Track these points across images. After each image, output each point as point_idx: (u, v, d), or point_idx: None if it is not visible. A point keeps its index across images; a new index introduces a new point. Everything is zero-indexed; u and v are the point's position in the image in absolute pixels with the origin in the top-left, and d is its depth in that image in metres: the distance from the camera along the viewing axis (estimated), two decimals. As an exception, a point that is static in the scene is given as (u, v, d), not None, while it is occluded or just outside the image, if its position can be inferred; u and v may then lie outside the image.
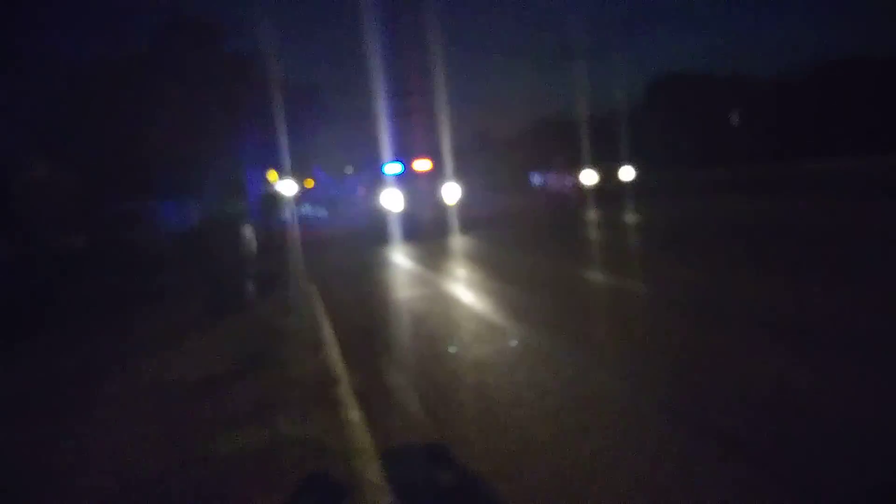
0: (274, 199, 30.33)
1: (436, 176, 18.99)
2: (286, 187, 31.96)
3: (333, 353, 6.82)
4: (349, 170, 42.32)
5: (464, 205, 19.04)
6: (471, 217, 19.34)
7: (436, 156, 19.56)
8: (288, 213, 29.90)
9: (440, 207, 18.56)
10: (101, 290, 14.66)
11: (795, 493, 3.26)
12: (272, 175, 33.22)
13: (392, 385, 5.72)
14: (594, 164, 28.86)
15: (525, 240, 15.91)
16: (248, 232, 11.44)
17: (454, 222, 18.28)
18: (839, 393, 4.37)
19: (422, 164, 19.23)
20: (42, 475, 4.55)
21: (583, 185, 27.47)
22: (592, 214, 20.11)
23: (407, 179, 18.77)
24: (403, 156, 19.45)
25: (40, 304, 12.59)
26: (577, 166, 29.18)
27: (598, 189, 26.61)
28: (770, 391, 4.52)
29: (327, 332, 7.77)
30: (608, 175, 28.34)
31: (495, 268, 11.53)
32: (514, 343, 6.53)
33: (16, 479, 4.50)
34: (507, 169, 37.76)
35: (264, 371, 6.38)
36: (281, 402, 5.36)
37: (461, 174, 19.29)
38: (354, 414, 4.95)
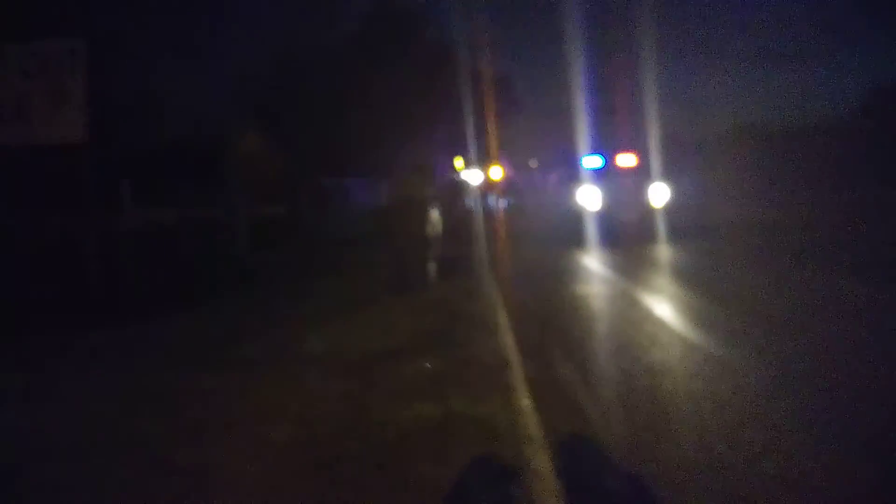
0: (458, 185, 30.86)
1: (641, 174, 16.61)
2: (472, 176, 32.36)
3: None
4: (533, 163, 42.19)
5: (674, 209, 16.43)
6: (682, 224, 16.47)
7: (642, 152, 17.31)
8: (472, 202, 30.32)
9: (645, 210, 16.05)
10: (292, 259, 15.60)
11: None
12: (459, 162, 33.80)
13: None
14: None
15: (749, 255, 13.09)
16: (435, 215, 11.59)
17: (661, 228, 15.80)
18: None
19: (626, 160, 17.04)
20: (233, 423, 4.82)
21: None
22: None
23: (608, 176, 16.58)
24: (604, 151, 17.33)
25: (234, 269, 13.56)
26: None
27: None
28: None
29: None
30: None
31: (712, 287, 9.50)
32: (707, 368, 5.95)
33: (202, 428, 4.75)
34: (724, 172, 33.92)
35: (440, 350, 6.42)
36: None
37: (671, 174, 16.84)
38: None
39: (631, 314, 8.13)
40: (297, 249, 16.93)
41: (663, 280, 10.66)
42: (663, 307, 8.37)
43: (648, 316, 7.89)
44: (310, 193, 22.43)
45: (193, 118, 25.81)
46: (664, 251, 13.98)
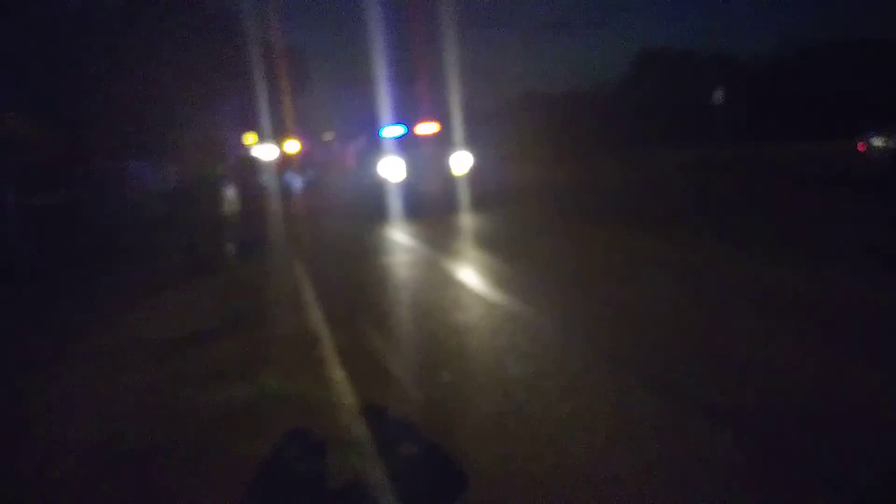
0: (251, 162, 30.04)
1: (442, 143, 16.31)
2: (266, 151, 31.53)
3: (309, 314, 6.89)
4: (328, 136, 41.82)
5: (476, 176, 16.26)
6: (485, 192, 16.53)
7: (442, 121, 17.03)
8: (267, 179, 29.58)
9: (447, 178, 15.85)
10: (79, 246, 14.58)
11: None
12: (250, 138, 32.75)
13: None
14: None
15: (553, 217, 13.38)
16: (229, 195, 11.38)
17: (463, 196, 15.61)
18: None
19: (426, 128, 16.66)
20: (25, 425, 4.60)
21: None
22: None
23: (409, 144, 16.09)
24: (404, 121, 16.89)
25: (14, 260, 12.50)
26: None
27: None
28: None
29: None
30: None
31: (512, 250, 9.77)
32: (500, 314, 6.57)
33: None
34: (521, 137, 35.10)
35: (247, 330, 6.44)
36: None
37: (471, 142, 16.52)
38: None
39: (435, 281, 8.41)
40: (80, 239, 15.79)
41: (466, 246, 10.85)
42: (466, 272, 8.63)
43: (451, 281, 8.20)
44: (89, 178, 20.85)
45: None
46: (467, 219, 13.94)
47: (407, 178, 15.53)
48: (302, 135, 34.19)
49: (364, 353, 5.58)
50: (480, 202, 15.39)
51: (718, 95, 33.11)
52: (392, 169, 15.55)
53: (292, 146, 32.20)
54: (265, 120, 29.35)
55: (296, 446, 3.88)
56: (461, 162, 16.02)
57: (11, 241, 13.88)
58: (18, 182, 16.33)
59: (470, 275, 8.39)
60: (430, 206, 15.04)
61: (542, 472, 3.38)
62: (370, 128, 17.62)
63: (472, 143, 16.50)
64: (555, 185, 20.31)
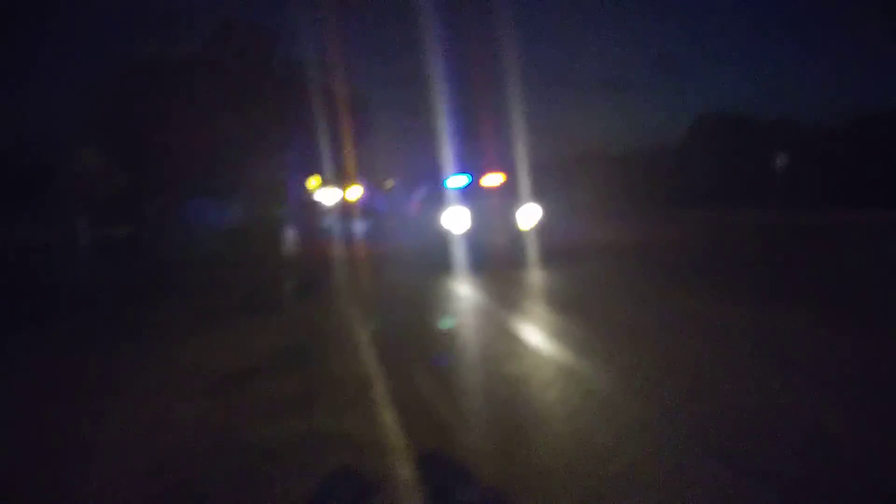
0: (314, 206, 30.48)
1: (509, 195, 15.73)
2: (327, 196, 31.99)
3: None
4: (388, 183, 42.23)
5: (543, 230, 15.33)
6: (552, 247, 15.41)
7: (509, 173, 16.45)
8: (329, 223, 29.92)
9: (514, 232, 15.12)
10: (140, 279, 14.77)
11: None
12: (313, 181, 33.32)
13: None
14: None
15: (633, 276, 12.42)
16: (289, 235, 11.35)
17: (532, 251, 14.67)
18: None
19: (493, 179, 16.14)
20: (78, 452, 4.58)
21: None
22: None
23: (474, 195, 15.54)
24: (470, 171, 16.39)
25: (75, 290, 12.68)
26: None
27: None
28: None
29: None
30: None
31: (584, 312, 8.88)
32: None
33: (51, 457, 4.52)
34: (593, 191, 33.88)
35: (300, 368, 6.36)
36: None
37: (538, 196, 15.76)
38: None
39: (493, 333, 8.20)
40: (143, 271, 16.04)
41: (531, 303, 9.95)
42: (527, 327, 8.13)
43: (510, 334, 7.95)
44: (154, 214, 21.37)
45: (16, 135, 23.78)
46: (534, 275, 12.93)
47: (471, 229, 14.83)
48: (363, 181, 34.58)
49: (416, 397, 5.48)
50: (548, 258, 14.36)
51: (781, 160, 32.38)
52: (456, 220, 14.84)
53: (354, 192, 32.57)
54: (328, 166, 29.83)
55: (342, 485, 3.81)
56: (529, 215, 15.24)
57: (79, 272, 14.16)
58: (88, 215, 16.79)
59: (533, 332, 7.86)
60: (495, 260, 14.34)
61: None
62: (434, 177, 17.20)
63: (538, 196, 15.73)
64: (620, 243, 19.36)
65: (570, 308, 9.13)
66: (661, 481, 3.73)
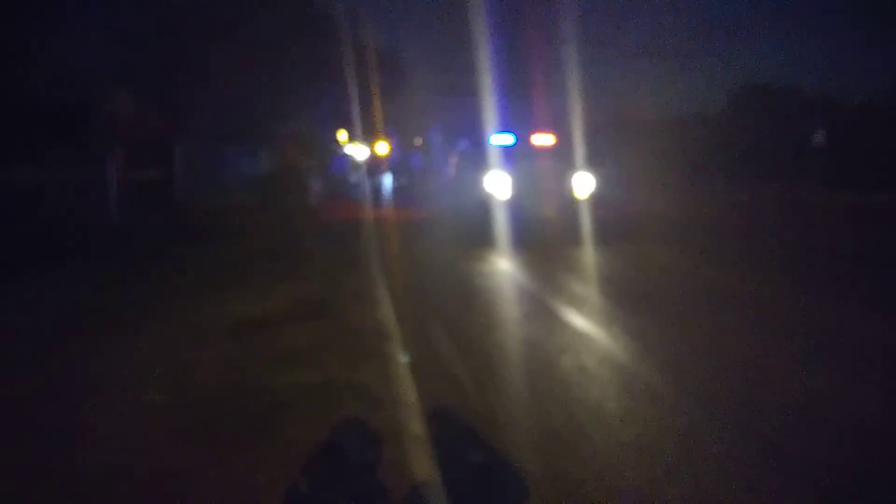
0: (344, 161, 30.50)
1: (561, 159, 13.75)
2: (357, 151, 31.95)
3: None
4: (418, 140, 41.74)
5: (596, 202, 13.40)
6: (606, 221, 13.39)
7: (561, 134, 14.60)
8: (356, 178, 29.79)
9: (567, 201, 13.13)
10: (171, 223, 15.06)
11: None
12: (343, 135, 33.25)
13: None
14: None
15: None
16: (317, 185, 11.50)
17: (585, 225, 12.64)
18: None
19: (543, 139, 14.16)
20: (107, 386, 4.77)
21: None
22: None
23: (521, 157, 13.55)
24: (518, 130, 14.42)
25: (104, 233, 13.00)
26: None
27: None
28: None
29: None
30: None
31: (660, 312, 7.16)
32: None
33: (73, 390, 4.71)
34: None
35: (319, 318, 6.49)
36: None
37: (594, 162, 13.87)
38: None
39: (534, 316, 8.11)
40: (173, 215, 16.38)
41: (582, 287, 8.60)
42: (575, 316, 6.89)
43: (557, 320, 7.80)
44: (186, 159, 21.67)
45: (56, 74, 24.14)
46: (588, 253, 11.34)
47: (516, 195, 12.95)
48: (394, 138, 34.29)
49: (434, 358, 5.59)
50: (605, 234, 12.43)
51: (819, 137, 31.51)
52: (500, 184, 13.05)
53: (382, 148, 32.46)
54: (358, 121, 29.67)
55: (351, 435, 3.86)
56: (583, 184, 13.33)
57: (111, 214, 14.51)
58: (121, 157, 17.11)
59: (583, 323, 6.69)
60: (544, 234, 12.58)
61: (598, 495, 3.29)
62: (475, 135, 15.48)
63: (592, 162, 13.89)
64: (675, 217, 17.02)
65: (642, 306, 7.43)
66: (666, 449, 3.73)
